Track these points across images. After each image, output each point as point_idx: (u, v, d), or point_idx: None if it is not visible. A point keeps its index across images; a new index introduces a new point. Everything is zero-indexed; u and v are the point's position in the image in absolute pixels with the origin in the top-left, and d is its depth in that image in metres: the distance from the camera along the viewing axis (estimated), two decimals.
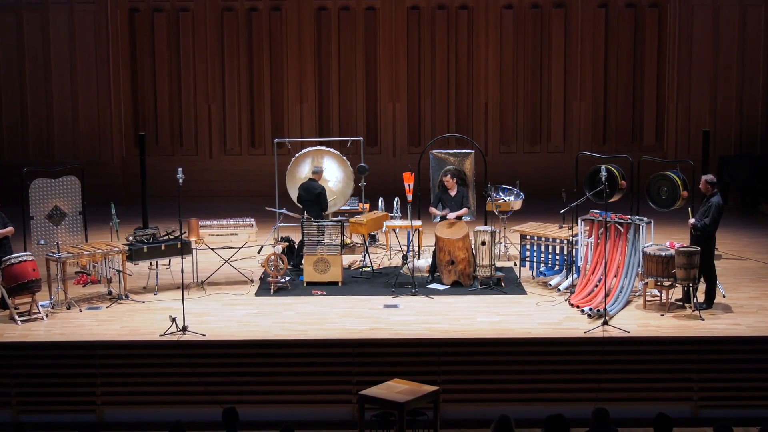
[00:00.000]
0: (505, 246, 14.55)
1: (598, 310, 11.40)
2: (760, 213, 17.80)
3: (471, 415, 10.73)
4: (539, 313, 11.77)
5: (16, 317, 11.57)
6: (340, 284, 12.99)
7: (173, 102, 19.88)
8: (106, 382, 10.84)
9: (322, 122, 19.94)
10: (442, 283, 12.97)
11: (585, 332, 10.97)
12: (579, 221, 12.67)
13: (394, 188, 16.58)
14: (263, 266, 13.63)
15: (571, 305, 11.97)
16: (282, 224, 15.05)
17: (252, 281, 13.29)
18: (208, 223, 14.19)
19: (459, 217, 13.29)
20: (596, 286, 12.08)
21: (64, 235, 13.47)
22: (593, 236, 12.41)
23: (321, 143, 16.22)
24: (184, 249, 12.83)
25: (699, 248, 11.52)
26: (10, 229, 12.23)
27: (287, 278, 12.94)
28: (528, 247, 13.30)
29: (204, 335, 10.99)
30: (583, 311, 11.63)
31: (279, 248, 13.00)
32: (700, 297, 11.81)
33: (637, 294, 12.23)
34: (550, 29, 19.65)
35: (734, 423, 9.18)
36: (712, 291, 11.87)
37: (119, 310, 12.12)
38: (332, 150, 15.14)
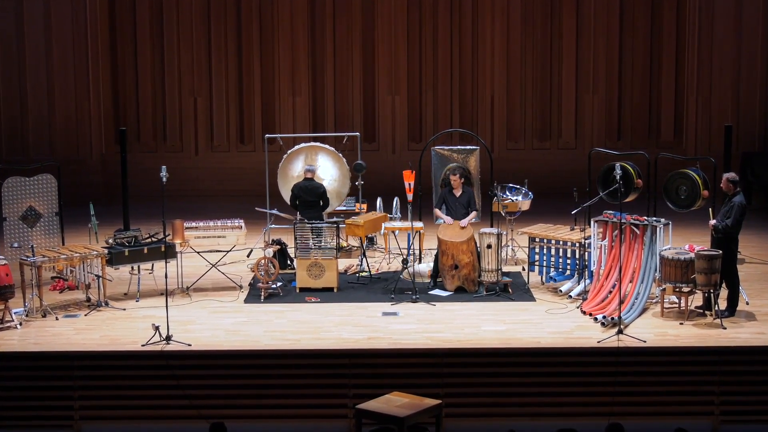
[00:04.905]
0: (512, 249, 14.57)
1: (613, 318, 11.41)
2: None
3: (476, 430, 10.75)
4: (549, 322, 11.78)
5: None
6: (335, 290, 13.01)
7: (156, 95, 19.91)
8: (84, 395, 10.84)
9: (316, 117, 19.97)
10: (445, 289, 12.98)
11: (598, 342, 10.99)
12: (592, 223, 12.69)
13: (393, 187, 16.61)
14: (253, 271, 13.65)
15: (584, 313, 11.98)
16: (273, 226, 15.06)
17: (241, 287, 13.30)
18: (193, 224, 14.22)
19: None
20: (610, 292, 12.09)
21: (39, 238, 13.48)
22: (607, 239, 12.43)
23: (315, 139, 16.23)
24: (168, 252, 12.83)
25: (720, 251, 11.54)
26: None
27: (278, 284, 12.95)
28: (537, 250, 13.32)
29: (189, 345, 11.00)
30: (596, 319, 11.64)
31: (270, 252, 13.00)
32: (722, 304, 11.83)
33: (654, 301, 12.25)
34: (561, 16, 19.68)
35: None
36: (735, 297, 11.88)
37: (98, 318, 12.12)
38: (327, 146, 15.15)
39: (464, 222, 13.12)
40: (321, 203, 13.71)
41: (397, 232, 14.35)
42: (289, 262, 14.02)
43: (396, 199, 15.21)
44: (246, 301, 12.76)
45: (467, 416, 10.81)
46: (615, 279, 12.00)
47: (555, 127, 19.97)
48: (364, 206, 15.18)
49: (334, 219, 13.86)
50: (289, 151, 15.11)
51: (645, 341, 10.96)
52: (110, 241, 13.06)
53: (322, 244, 12.97)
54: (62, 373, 10.88)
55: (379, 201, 15.32)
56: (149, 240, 13.10)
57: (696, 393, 10.81)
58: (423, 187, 14.21)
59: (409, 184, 14.22)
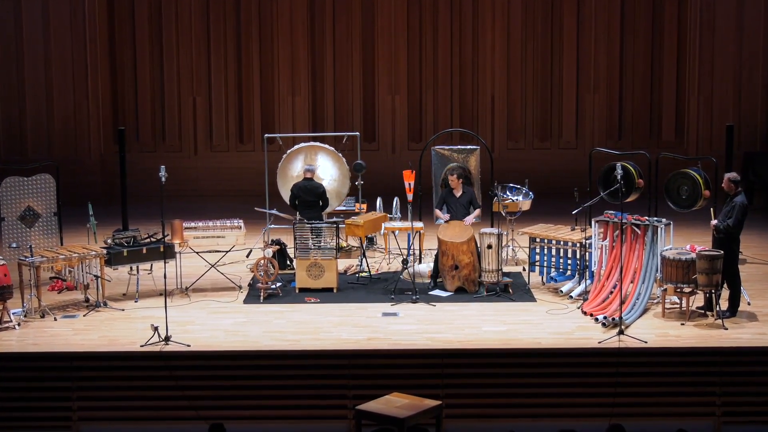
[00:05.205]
0: (512, 249, 14.56)
1: (613, 319, 11.41)
2: None
3: (476, 431, 10.74)
4: (550, 322, 11.78)
5: None
6: (335, 291, 13.00)
7: (155, 94, 19.90)
8: (82, 396, 10.84)
9: (315, 116, 19.96)
10: (445, 290, 12.98)
11: (599, 342, 10.98)
12: (593, 223, 12.68)
13: (393, 187, 16.60)
14: (252, 271, 13.64)
15: (584, 313, 11.98)
16: (272, 226, 15.06)
17: (240, 287, 13.30)
18: (192, 224, 14.22)
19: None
20: (611, 292, 12.09)
21: (37, 238, 13.48)
22: (608, 239, 12.42)
23: (315, 139, 16.23)
24: (167, 253, 12.83)
25: (722, 252, 11.54)
26: None
27: (278, 284, 12.95)
28: (537, 250, 13.31)
29: (188, 345, 11.00)
30: (597, 320, 11.64)
31: (269, 252, 13.00)
32: (723, 304, 11.83)
33: (655, 301, 12.25)
34: (562, 15, 19.67)
35: None
36: (736, 298, 11.88)
37: (97, 318, 12.12)
38: (327, 146, 15.15)
39: (468, 220, 13.13)
40: (320, 203, 13.71)
41: (397, 232, 14.35)
42: (288, 262, 14.02)
43: (396, 199, 15.20)
44: (245, 301, 12.76)
45: (467, 417, 10.80)
46: (616, 279, 12.00)
47: (555, 126, 19.96)
48: (364, 206, 15.18)
49: (334, 219, 13.85)
50: (288, 151, 15.10)
51: (646, 342, 10.96)
52: (109, 241, 13.07)
53: (322, 244, 12.97)
54: (61, 374, 10.88)
55: (379, 201, 15.32)
56: (148, 240, 13.10)
57: (697, 394, 10.80)
58: (423, 187, 14.20)
59: (409, 184, 14.22)
